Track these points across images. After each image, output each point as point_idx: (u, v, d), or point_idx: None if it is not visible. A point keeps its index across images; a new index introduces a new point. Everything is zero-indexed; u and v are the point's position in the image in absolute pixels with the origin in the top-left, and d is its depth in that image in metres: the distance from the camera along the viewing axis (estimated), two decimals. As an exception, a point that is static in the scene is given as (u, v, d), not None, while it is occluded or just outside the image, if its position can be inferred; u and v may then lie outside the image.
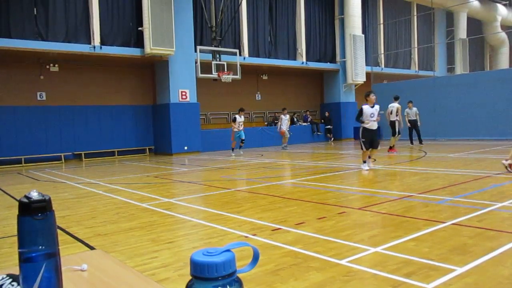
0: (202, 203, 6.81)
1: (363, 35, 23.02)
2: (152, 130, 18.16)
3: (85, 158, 16.20)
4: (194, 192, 7.88)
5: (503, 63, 31.93)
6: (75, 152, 16.23)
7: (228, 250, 0.68)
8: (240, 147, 16.15)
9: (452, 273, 3.15)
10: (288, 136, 17.75)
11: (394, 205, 5.73)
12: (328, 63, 23.00)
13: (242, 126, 15.67)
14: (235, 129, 15.58)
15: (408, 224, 4.65)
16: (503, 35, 31.75)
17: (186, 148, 17.15)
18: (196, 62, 17.01)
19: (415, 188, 7.01)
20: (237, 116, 15.75)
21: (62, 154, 15.80)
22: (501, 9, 31.39)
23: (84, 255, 1.29)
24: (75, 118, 16.20)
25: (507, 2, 31.24)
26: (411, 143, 16.45)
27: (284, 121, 17.49)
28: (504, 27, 31.82)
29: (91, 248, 4.28)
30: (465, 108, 18.65)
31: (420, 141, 16.24)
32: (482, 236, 4.08)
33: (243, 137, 15.78)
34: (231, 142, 16.39)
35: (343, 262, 3.49)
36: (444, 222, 4.60)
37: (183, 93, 17.08)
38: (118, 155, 17.04)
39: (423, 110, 20.12)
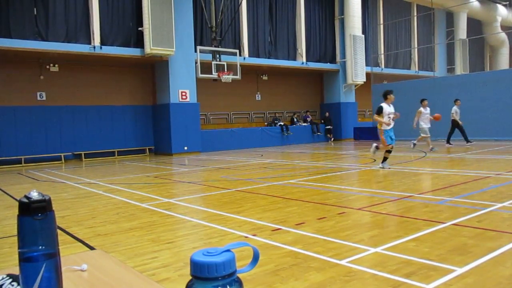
0: (202, 203, 6.81)
1: (363, 36, 23.02)
2: (152, 130, 18.16)
3: (85, 158, 16.20)
4: (194, 192, 7.88)
5: (503, 64, 31.93)
6: (75, 152, 16.23)
7: (228, 250, 0.68)
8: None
9: (452, 273, 3.14)
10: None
11: (394, 205, 5.73)
12: (328, 63, 23.00)
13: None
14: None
15: (408, 225, 4.65)
16: (503, 35, 31.75)
17: (186, 148, 17.15)
18: (196, 62, 17.01)
19: (415, 188, 7.01)
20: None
21: (62, 154, 15.80)
22: (501, 10, 31.39)
23: (84, 255, 1.29)
24: (75, 118, 16.20)
25: (507, 2, 31.24)
26: (467, 141, 15.38)
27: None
28: (504, 27, 31.82)
29: (91, 248, 4.27)
30: (466, 108, 18.63)
31: (467, 140, 15.35)
32: (481, 237, 4.08)
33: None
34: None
35: (343, 262, 3.49)
36: (444, 223, 4.60)
37: (183, 93, 17.08)
38: (118, 155, 17.04)
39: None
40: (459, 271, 3.18)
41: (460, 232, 4.30)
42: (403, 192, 6.64)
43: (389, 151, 9.72)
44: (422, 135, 14.00)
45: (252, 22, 19.92)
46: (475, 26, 31.31)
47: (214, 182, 8.85)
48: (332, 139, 22.80)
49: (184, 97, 17.10)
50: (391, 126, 9.60)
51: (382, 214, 5.23)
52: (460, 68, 29.74)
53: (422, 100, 14.40)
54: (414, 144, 14.31)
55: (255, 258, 0.73)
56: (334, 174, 9.54)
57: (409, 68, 27.89)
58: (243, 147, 19.22)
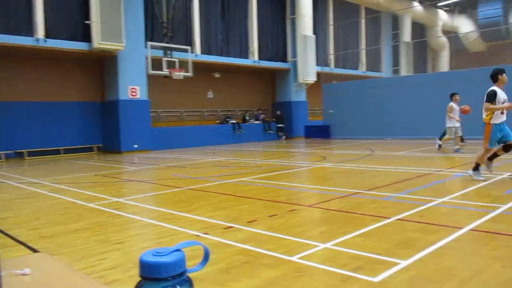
0: (153, 202, 6.69)
1: (314, 36, 23.46)
2: (100, 128, 17.58)
3: (27, 156, 15.41)
4: (145, 191, 7.73)
5: (444, 66, 33.67)
6: (17, 151, 15.41)
7: (178, 250, 0.67)
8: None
9: (397, 266, 3.28)
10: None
11: (343, 202, 5.89)
12: (280, 62, 23.27)
13: None
14: None
15: (356, 220, 4.80)
16: (444, 39, 33.46)
17: (136, 146, 16.76)
18: (146, 58, 16.65)
19: (363, 185, 7.25)
20: None
21: (3, 153, 14.96)
22: (442, 15, 33.05)
23: (27, 258, 1.23)
24: (17, 115, 15.37)
25: (448, 8, 32.95)
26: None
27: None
28: (445, 32, 33.54)
29: (35, 251, 4.08)
30: (410, 108, 19.50)
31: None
32: (424, 230, 4.29)
33: None
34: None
35: (294, 258, 3.55)
36: (389, 218, 4.79)
37: (133, 90, 16.67)
38: (63, 154, 16.36)
39: (371, 110, 20.89)
40: (404, 263, 3.33)
41: (405, 226, 4.50)
42: (352, 189, 6.84)
43: (494, 156, 7.18)
44: (449, 136, 12.53)
45: (204, 19, 19.76)
46: (419, 29, 32.80)
47: (166, 181, 8.72)
48: (284, 137, 23.10)
49: (134, 93, 16.69)
50: (504, 119, 6.97)
51: (332, 211, 5.37)
52: (405, 69, 31.08)
53: (452, 95, 12.50)
54: (440, 146, 13.01)
55: (206, 257, 0.72)
56: (285, 171, 9.67)
57: (357, 68, 28.76)
58: (195, 145, 19.05)
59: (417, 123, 19.16)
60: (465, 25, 33.34)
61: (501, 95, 6.87)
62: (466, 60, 32.87)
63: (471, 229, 4.25)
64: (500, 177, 7.46)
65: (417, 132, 18.94)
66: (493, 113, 6.86)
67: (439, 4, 31.73)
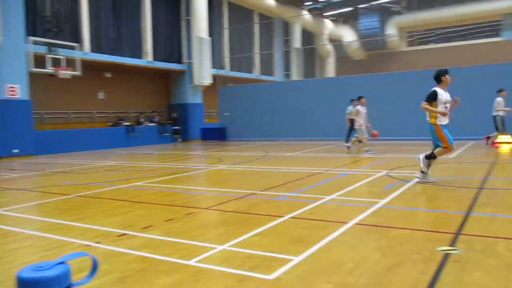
0: (37, 212, 6.14)
1: (210, 38, 23.54)
2: (-29, 131, 15.65)
3: None
4: (27, 200, 7.05)
5: (330, 72, 36.13)
6: None
7: (62, 263, 0.63)
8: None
9: (291, 262, 3.44)
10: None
11: (239, 203, 6.00)
12: (175, 63, 22.93)
13: None
14: None
15: (252, 220, 4.92)
16: (330, 47, 35.89)
17: (16, 151, 15.23)
18: (27, 55, 15.25)
19: (257, 186, 7.45)
20: None
21: None
22: (328, 24, 35.44)
23: None
24: None
25: (333, 18, 35.42)
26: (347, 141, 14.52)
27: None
28: (331, 40, 36.00)
29: None
30: (301, 111, 20.58)
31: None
32: (314, 227, 4.56)
33: None
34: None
35: (192, 262, 3.53)
36: (283, 216, 4.99)
37: (11, 89, 15.13)
38: None
39: (265, 112, 21.61)
40: (297, 259, 3.50)
41: (297, 224, 4.73)
42: (248, 189, 7.00)
43: (432, 156, 7.05)
44: (359, 137, 12.92)
45: (94, 15, 18.67)
46: (308, 37, 34.77)
47: (52, 188, 8.06)
48: (180, 139, 22.81)
49: (12, 93, 15.15)
50: (447, 121, 6.92)
51: (229, 212, 5.43)
52: (295, 74, 32.73)
53: (359, 98, 12.82)
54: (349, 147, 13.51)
55: (94, 267, 0.69)
56: (181, 175, 9.56)
57: (251, 72, 29.53)
58: (85, 149, 17.91)
59: (308, 125, 20.29)
60: (348, 35, 36.13)
61: (443, 96, 6.78)
62: (349, 67, 35.67)
63: (356, 223, 4.61)
64: (379, 174, 8.21)
65: (309, 134, 20.05)
66: (436, 114, 6.77)
67: (325, 14, 33.98)
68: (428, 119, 6.94)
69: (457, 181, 7.39)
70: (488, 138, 13.78)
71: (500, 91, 12.93)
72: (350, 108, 14.09)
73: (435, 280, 3.00)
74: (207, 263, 3.51)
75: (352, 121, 13.70)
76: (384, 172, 8.44)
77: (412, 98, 17.25)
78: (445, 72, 6.86)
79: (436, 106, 6.75)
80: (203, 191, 7.46)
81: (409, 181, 7.21)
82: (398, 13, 33.25)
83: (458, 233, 4.12)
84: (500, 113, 12.89)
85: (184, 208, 5.73)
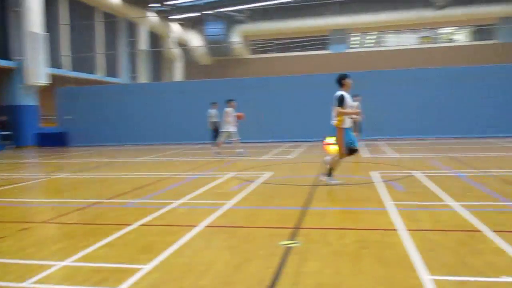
0: None
1: (46, 34, 21.35)
2: None
3: None
4: None
5: (179, 76, 36.15)
6: None
7: None
8: None
9: (141, 272, 3.34)
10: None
11: (82, 213, 5.59)
12: (2, 59, 20.22)
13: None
14: None
15: (97, 231, 4.63)
16: (177, 50, 35.90)
17: None
18: None
19: (103, 194, 7.05)
20: None
21: None
22: (176, 28, 35.38)
23: None
24: None
25: (182, 22, 35.52)
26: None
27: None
28: (179, 44, 36.03)
29: None
30: (150, 114, 20.12)
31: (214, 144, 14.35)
32: (164, 233, 4.51)
33: None
34: None
35: (26, 284, 3.16)
36: (132, 224, 4.82)
37: None
38: None
39: (112, 116, 20.55)
40: (146, 268, 3.41)
41: (147, 231, 4.62)
42: (92, 198, 6.57)
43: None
44: (222, 140, 12.97)
45: None
46: (156, 39, 34.19)
47: None
48: (11, 146, 20.18)
49: None
50: (351, 124, 7.16)
51: (70, 224, 5.03)
52: (143, 76, 31.89)
53: (228, 101, 12.89)
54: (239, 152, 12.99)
55: None
56: (14, 186, 8.48)
57: (94, 72, 27.78)
58: None
59: (158, 129, 19.94)
60: (195, 40, 36.63)
61: (348, 99, 6.93)
62: (197, 71, 36.22)
63: (206, 226, 4.71)
64: (227, 176, 8.53)
65: (159, 138, 19.71)
66: (343, 117, 6.87)
67: (172, 17, 33.87)
68: (333, 122, 6.91)
69: (296, 179, 8.11)
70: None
71: (355, 96, 14.38)
72: (211, 111, 14.19)
73: (278, 273, 3.25)
74: (45, 283, 3.19)
75: (215, 124, 13.81)
76: (232, 174, 8.79)
77: (260, 103, 18.52)
78: (345, 76, 7.04)
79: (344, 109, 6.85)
80: (40, 203, 6.75)
81: (254, 182, 7.65)
82: (242, 22, 35.00)
83: (297, 227, 4.52)
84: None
85: (16, 224, 5.11)
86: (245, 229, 4.59)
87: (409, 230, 4.25)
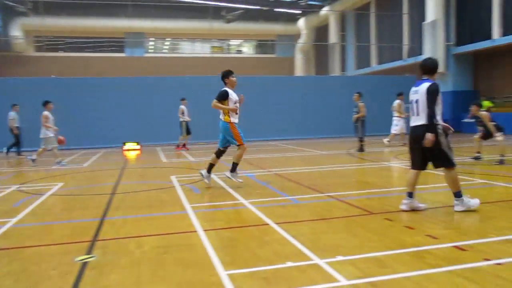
0: None
1: None
2: None
3: None
4: None
5: None
6: None
7: None
8: None
9: None
10: None
11: None
12: None
13: None
14: None
15: None
16: None
17: None
18: None
19: None
20: None
21: None
22: None
23: None
24: None
25: None
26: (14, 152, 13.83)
27: None
28: None
29: None
30: None
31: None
32: None
33: None
34: None
35: None
36: None
37: None
38: None
39: None
40: None
41: None
42: None
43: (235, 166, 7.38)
44: (45, 146, 11.23)
45: None
46: None
47: None
48: None
49: None
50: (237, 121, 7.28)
51: None
52: None
53: (46, 103, 11.21)
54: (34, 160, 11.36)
55: None
56: None
57: None
58: None
59: None
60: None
61: (233, 95, 7.08)
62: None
63: (-19, 251, 4.01)
64: (9, 190, 7.45)
65: None
66: (229, 112, 7.00)
67: None
68: (222, 118, 7.09)
69: (92, 189, 7.64)
70: (184, 146, 15.45)
71: (182, 99, 14.96)
72: (12, 113, 12.46)
73: (74, 293, 3.01)
74: None
75: (18, 129, 12.98)
76: (14, 187, 7.72)
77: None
78: (229, 73, 7.21)
79: (227, 105, 6.98)
80: None
81: (44, 194, 6.89)
82: (24, 14, 31.02)
83: (94, 240, 4.27)
84: (186, 119, 14.77)
85: None
86: (33, 249, 4.10)
87: (207, 230, 4.49)
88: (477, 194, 6.05)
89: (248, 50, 40.36)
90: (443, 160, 4.92)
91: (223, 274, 3.25)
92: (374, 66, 28.27)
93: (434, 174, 8.34)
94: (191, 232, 4.47)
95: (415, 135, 4.98)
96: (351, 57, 30.91)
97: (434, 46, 20.52)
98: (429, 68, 5.10)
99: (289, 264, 3.40)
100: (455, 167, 4.97)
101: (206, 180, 7.29)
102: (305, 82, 21.86)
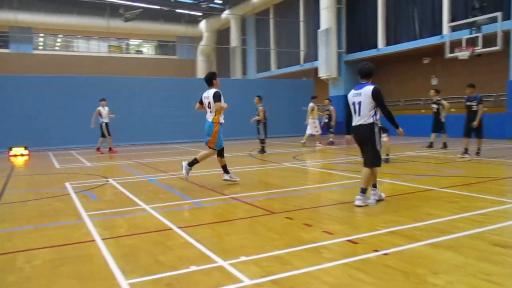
0: None
1: None
2: None
3: None
4: None
5: None
6: None
7: None
8: None
9: None
10: None
11: None
12: None
13: None
14: None
15: None
16: None
17: None
18: None
19: None
20: None
21: None
22: None
23: None
24: None
25: None
26: None
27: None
28: None
29: None
30: None
31: None
32: None
33: None
34: None
35: None
36: None
37: None
38: None
39: None
40: None
41: None
42: None
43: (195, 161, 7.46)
44: None
45: None
46: None
47: None
48: None
49: None
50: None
51: None
52: None
53: None
54: None
55: None
56: None
57: None
58: None
59: None
60: None
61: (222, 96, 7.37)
62: None
63: None
64: None
65: None
66: (221, 113, 7.25)
67: None
68: (211, 118, 7.24)
69: (-29, 200, 6.84)
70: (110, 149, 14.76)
71: (102, 100, 14.36)
72: None
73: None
74: None
75: None
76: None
77: None
78: (215, 74, 7.52)
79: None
80: None
81: None
82: None
83: (-25, 258, 3.83)
84: (105, 120, 14.29)
85: None
86: None
87: (106, 238, 4.28)
88: (366, 190, 6.57)
89: (148, 50, 39.29)
90: (372, 157, 5.41)
91: (124, 283, 3.12)
92: (274, 70, 29.30)
93: (331, 174, 8.89)
94: (88, 241, 4.23)
95: (359, 134, 5.46)
96: (252, 61, 31.68)
97: (328, 53, 21.89)
98: (366, 72, 5.48)
99: (193, 268, 3.38)
100: (375, 168, 5.48)
101: (233, 179, 7.54)
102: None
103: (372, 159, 5.43)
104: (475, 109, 10.05)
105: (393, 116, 5.37)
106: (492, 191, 6.19)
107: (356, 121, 5.44)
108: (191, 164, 7.38)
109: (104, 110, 14.43)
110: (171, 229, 4.59)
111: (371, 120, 5.30)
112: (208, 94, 7.25)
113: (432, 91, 12.88)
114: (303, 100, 22.11)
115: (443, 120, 12.52)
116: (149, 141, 18.76)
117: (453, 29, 15.90)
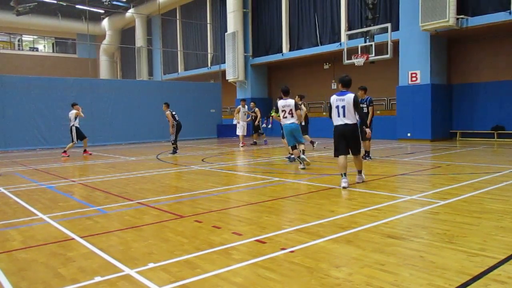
0: None
1: None
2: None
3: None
4: None
5: None
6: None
7: None
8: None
9: None
10: None
11: None
12: None
13: None
14: None
15: None
16: None
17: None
18: None
19: None
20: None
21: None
22: None
23: None
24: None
25: None
26: None
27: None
28: None
29: None
30: None
31: None
32: None
33: None
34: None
35: None
36: None
37: None
38: None
39: None
40: None
41: None
42: None
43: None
44: None
45: None
46: None
47: None
48: None
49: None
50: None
51: None
52: None
53: None
54: None
55: None
56: None
57: None
58: None
59: None
60: None
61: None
62: None
63: None
64: None
65: None
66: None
67: None
68: (295, 121, 9.23)
69: None
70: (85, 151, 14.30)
71: (74, 105, 14.05)
72: None
73: None
74: None
75: None
76: None
77: None
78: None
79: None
80: None
81: None
82: None
83: None
84: (76, 124, 13.90)
85: None
86: None
87: (-3, 254, 3.89)
88: (273, 190, 6.79)
89: (44, 48, 36.51)
90: (359, 149, 7.03)
91: (18, 301, 2.87)
92: (181, 72, 28.95)
93: (239, 176, 9.02)
94: (-25, 258, 3.81)
95: (342, 131, 6.81)
96: (158, 62, 30.98)
97: (234, 56, 22.19)
98: (346, 82, 7.01)
99: (98, 279, 3.22)
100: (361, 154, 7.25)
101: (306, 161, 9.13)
102: (111, 85, 20.61)
103: (359, 148, 7.05)
104: (365, 111, 10.81)
105: (365, 118, 7.82)
106: (385, 188, 6.75)
107: (341, 120, 6.78)
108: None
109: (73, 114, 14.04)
110: (72, 239, 4.32)
111: (354, 121, 6.80)
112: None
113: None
114: (211, 103, 22.15)
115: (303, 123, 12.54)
116: (40, 146, 17.38)
117: (350, 37, 17.06)
